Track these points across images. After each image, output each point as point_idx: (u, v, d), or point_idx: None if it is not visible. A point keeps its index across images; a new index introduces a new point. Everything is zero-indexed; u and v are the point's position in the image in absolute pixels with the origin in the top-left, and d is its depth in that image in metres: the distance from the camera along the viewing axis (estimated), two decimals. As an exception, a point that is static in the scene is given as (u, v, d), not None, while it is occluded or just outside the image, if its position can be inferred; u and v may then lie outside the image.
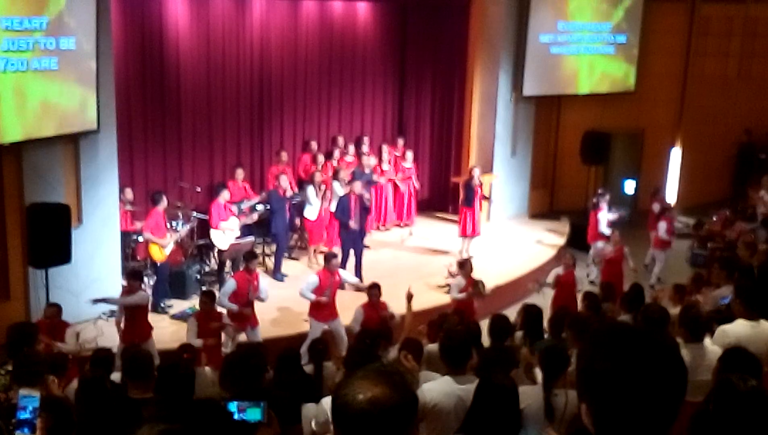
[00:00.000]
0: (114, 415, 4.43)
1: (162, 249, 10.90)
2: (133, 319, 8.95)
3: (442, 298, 11.09)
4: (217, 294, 9.36)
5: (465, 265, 10.28)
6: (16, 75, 9.24)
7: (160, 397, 4.43)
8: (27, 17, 9.19)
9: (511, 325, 6.95)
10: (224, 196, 11.68)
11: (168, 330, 10.08)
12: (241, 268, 10.00)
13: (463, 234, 13.13)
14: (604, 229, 12.85)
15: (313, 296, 9.59)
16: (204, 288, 11.36)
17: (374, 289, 9.33)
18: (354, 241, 11.94)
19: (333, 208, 12.83)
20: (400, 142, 15.08)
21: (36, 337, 6.61)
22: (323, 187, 12.87)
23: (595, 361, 1.66)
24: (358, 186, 11.91)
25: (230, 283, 9.48)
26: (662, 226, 12.86)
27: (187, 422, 3.21)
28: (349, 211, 11.76)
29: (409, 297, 8.03)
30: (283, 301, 10.87)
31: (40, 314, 9.27)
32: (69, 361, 6.35)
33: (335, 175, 12.97)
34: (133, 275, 9.17)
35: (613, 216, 13.03)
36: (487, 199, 13.69)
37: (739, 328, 5.39)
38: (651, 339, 1.67)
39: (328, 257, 10.02)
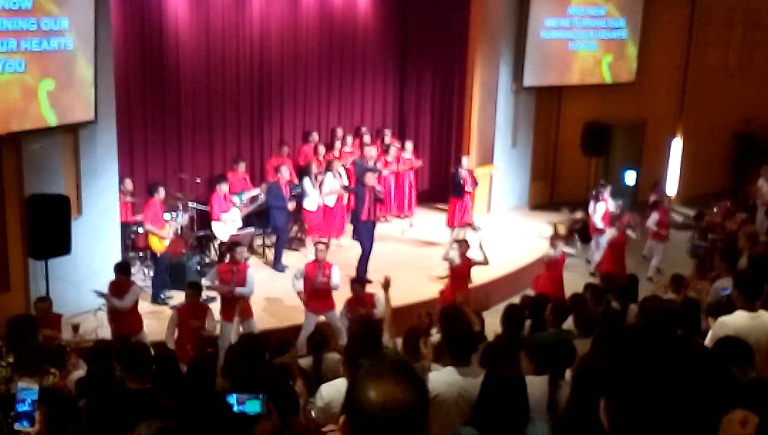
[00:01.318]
0: (121, 407, 4.43)
1: (162, 240, 10.91)
2: (124, 313, 8.92)
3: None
4: (203, 286, 9.35)
5: (462, 244, 10.50)
6: (13, 65, 9.21)
7: (159, 389, 4.42)
8: (24, 5, 9.16)
9: (524, 316, 6.91)
10: (224, 187, 11.67)
11: (167, 322, 10.08)
12: (226, 260, 10.00)
13: (451, 224, 13.13)
14: (598, 222, 12.89)
15: (301, 286, 9.63)
16: (204, 280, 11.42)
17: (356, 284, 9.25)
18: (369, 234, 11.75)
19: (329, 201, 12.81)
20: (387, 131, 15.01)
21: (37, 329, 6.60)
22: (320, 177, 12.85)
23: (618, 362, 1.62)
24: (370, 178, 11.78)
25: (212, 271, 9.54)
26: (653, 217, 12.81)
27: (186, 415, 3.20)
28: (363, 202, 11.69)
29: (386, 285, 7.71)
30: (284, 292, 10.86)
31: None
32: (68, 353, 6.35)
33: (328, 166, 12.93)
34: (121, 270, 9.11)
35: (614, 206, 13.06)
36: (476, 184, 13.60)
37: (738, 320, 5.36)
38: (676, 341, 1.64)
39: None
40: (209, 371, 4.69)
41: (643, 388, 1.57)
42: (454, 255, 10.36)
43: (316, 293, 9.64)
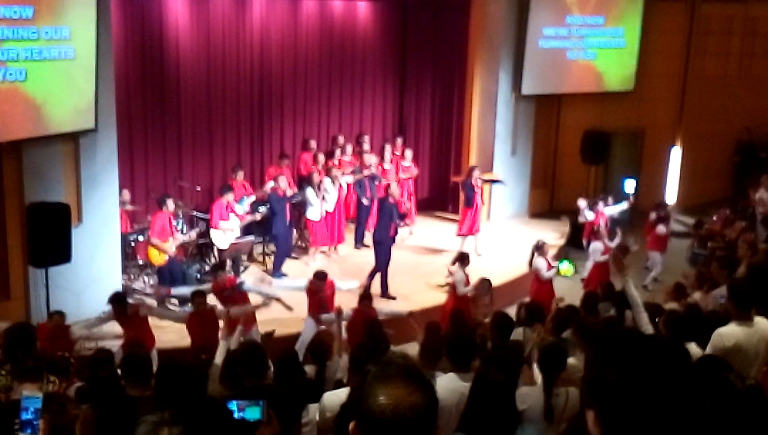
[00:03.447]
0: (124, 413, 4.43)
1: (162, 254, 10.84)
2: (140, 329, 8.74)
3: (442, 298, 11.07)
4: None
5: (464, 259, 10.38)
6: (14, 74, 9.25)
7: (160, 395, 4.42)
8: (25, 14, 9.20)
9: (513, 322, 6.92)
10: (228, 196, 11.65)
11: (172, 328, 10.06)
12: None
13: (462, 233, 13.16)
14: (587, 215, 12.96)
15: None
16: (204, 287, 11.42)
17: (365, 300, 9.23)
18: (389, 251, 11.63)
19: (329, 207, 12.82)
20: (399, 141, 15.06)
21: (34, 338, 6.59)
22: (323, 187, 12.86)
23: (606, 370, 1.62)
24: (397, 192, 11.69)
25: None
26: (661, 228, 12.90)
27: (186, 421, 3.21)
28: (392, 216, 11.62)
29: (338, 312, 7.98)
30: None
31: (41, 316, 9.24)
32: (72, 364, 6.36)
33: (327, 173, 12.95)
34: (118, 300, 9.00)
35: (614, 209, 13.10)
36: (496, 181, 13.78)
37: (736, 330, 5.36)
38: (663, 347, 1.64)
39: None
40: (195, 379, 4.68)
41: (633, 397, 1.57)
42: (461, 278, 10.26)
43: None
